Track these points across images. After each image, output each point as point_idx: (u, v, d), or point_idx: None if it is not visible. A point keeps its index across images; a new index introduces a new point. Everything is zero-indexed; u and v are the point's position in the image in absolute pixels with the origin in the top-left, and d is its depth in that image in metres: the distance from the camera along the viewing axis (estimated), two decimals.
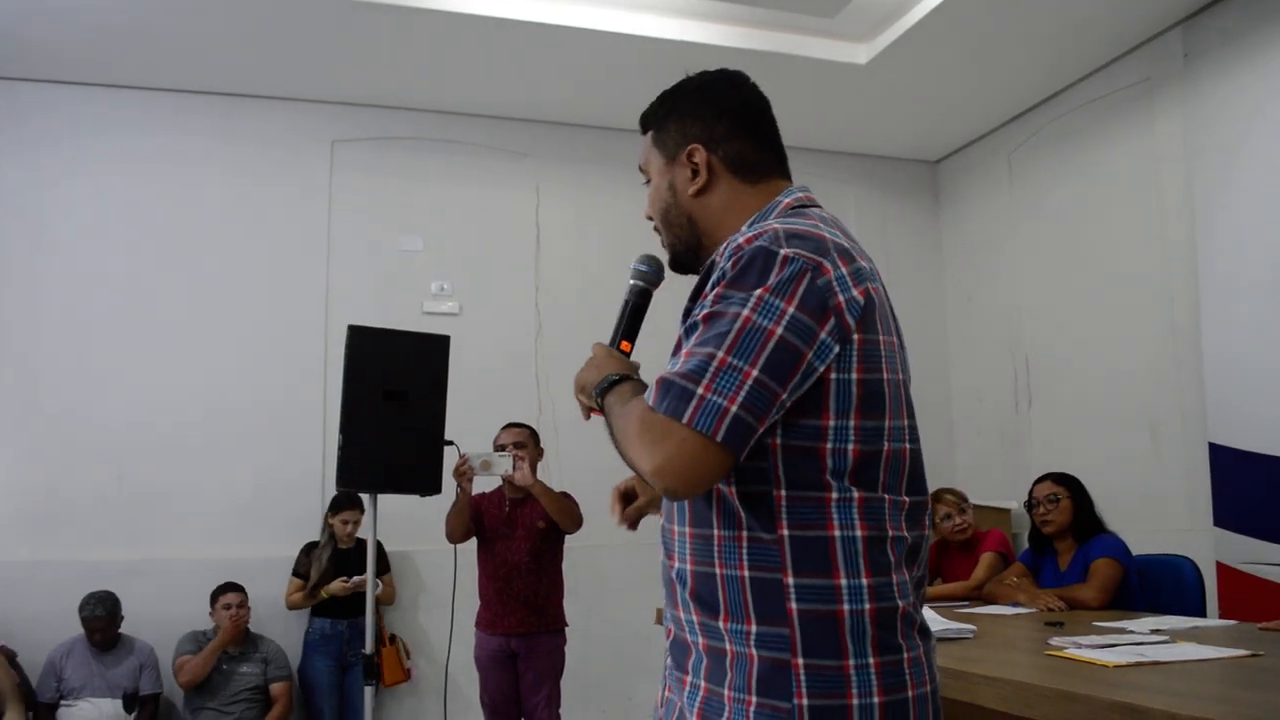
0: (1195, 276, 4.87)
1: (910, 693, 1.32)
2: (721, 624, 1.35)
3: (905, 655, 1.33)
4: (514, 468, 4.26)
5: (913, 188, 6.93)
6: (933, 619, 2.86)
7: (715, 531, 1.37)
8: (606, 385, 1.47)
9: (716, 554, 1.36)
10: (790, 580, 1.31)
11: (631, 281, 1.65)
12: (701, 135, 1.56)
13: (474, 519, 4.47)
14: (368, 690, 4.07)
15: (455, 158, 6.02)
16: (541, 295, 6.02)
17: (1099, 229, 5.58)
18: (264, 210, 5.69)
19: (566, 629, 4.58)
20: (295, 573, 5.18)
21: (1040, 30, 5.11)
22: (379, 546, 4.57)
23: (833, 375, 1.31)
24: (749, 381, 1.25)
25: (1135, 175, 5.34)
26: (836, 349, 1.31)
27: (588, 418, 1.58)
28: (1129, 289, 5.35)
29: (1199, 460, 4.80)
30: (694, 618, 1.39)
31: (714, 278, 1.35)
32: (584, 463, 5.50)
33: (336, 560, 5.12)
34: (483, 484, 4.49)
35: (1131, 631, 2.82)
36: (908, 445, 1.42)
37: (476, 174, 6.05)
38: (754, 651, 1.31)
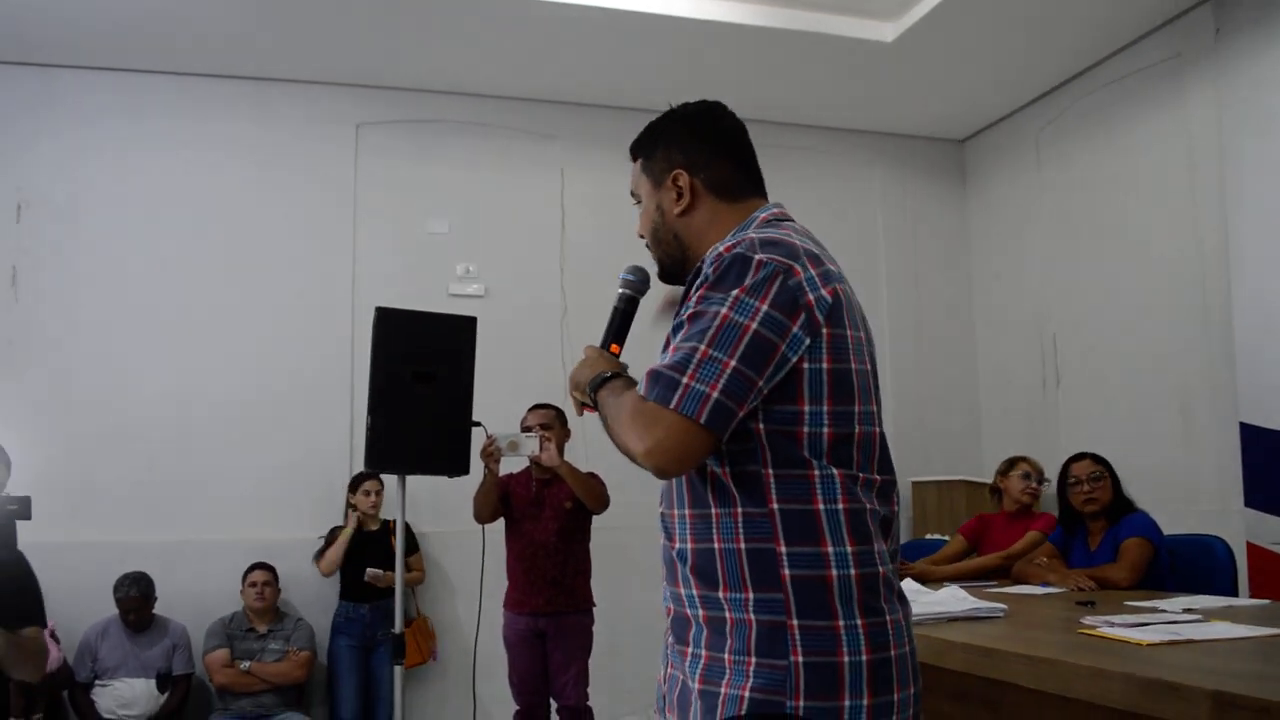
0: (1226, 254, 4.82)
1: (893, 651, 1.47)
2: (721, 594, 1.48)
3: (888, 618, 1.48)
4: (540, 448, 4.27)
5: (939, 167, 6.88)
6: (962, 598, 2.85)
7: (712, 510, 1.51)
8: (599, 381, 1.62)
9: (715, 531, 1.50)
10: (783, 549, 1.45)
11: (620, 290, 1.82)
12: (685, 161, 1.72)
13: (501, 500, 4.49)
14: (397, 670, 4.09)
15: (480, 140, 6.02)
16: (567, 277, 6.02)
17: (1128, 207, 5.52)
18: (291, 194, 5.72)
19: (594, 609, 4.60)
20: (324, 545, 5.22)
21: (1068, 7, 5.05)
22: (407, 528, 4.60)
23: (805, 365, 1.47)
24: (728, 371, 1.41)
25: (1165, 153, 5.28)
26: (807, 341, 1.47)
27: (580, 413, 1.74)
28: (1159, 267, 5.30)
29: (1230, 440, 4.75)
30: (694, 592, 1.52)
31: (697, 283, 1.51)
32: (610, 444, 5.50)
33: (363, 542, 5.16)
34: (510, 464, 4.51)
35: (1164, 611, 2.80)
36: (877, 429, 1.56)
37: (502, 156, 6.05)
38: (752, 617, 1.45)
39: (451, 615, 5.57)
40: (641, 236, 1.80)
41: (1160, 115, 5.33)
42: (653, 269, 1.81)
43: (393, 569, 4.88)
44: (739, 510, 1.48)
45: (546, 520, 4.47)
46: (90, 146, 5.48)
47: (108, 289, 5.41)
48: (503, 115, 6.05)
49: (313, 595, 5.26)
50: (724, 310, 1.43)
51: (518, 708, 4.55)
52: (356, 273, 5.73)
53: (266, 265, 5.63)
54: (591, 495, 4.40)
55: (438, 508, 5.34)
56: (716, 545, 1.49)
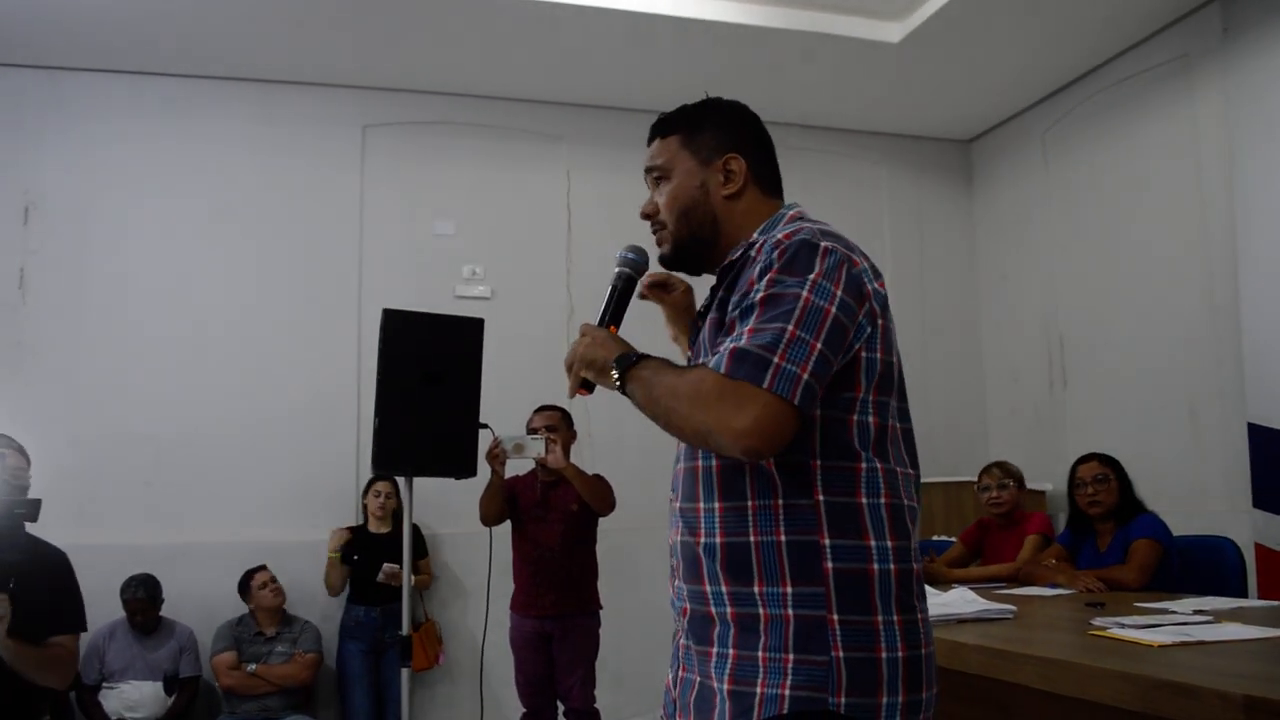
0: (1235, 255, 4.81)
1: (923, 650, 1.48)
2: (756, 589, 1.46)
3: (919, 615, 1.49)
4: (546, 450, 4.26)
5: (946, 167, 6.87)
6: (972, 600, 2.84)
7: (750, 502, 1.48)
8: (635, 359, 1.55)
9: (751, 523, 1.47)
10: (826, 541, 1.44)
11: (618, 269, 1.78)
12: (739, 146, 1.70)
13: (508, 502, 4.49)
14: (404, 672, 4.09)
15: (486, 142, 6.03)
16: (573, 278, 6.02)
17: (1135, 207, 5.51)
18: (297, 196, 5.73)
19: (600, 611, 4.59)
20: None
21: (1075, 7, 5.05)
22: (415, 530, 4.60)
23: (863, 354, 1.48)
24: (815, 353, 1.40)
25: (1173, 153, 5.27)
26: (869, 330, 1.49)
27: (573, 395, 1.70)
28: (1166, 268, 5.29)
29: (1238, 441, 4.74)
30: (723, 588, 1.49)
31: (760, 268, 1.48)
32: (617, 445, 5.50)
33: (374, 544, 5.15)
34: (517, 467, 4.51)
35: (1174, 612, 2.79)
36: (909, 425, 1.59)
37: (508, 158, 6.05)
38: (791, 612, 1.43)
39: (459, 617, 5.57)
40: (647, 216, 1.76)
41: (1167, 115, 5.31)
42: (652, 250, 1.79)
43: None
44: (780, 502, 1.46)
45: (552, 523, 4.47)
46: (97, 149, 5.49)
47: (115, 291, 5.42)
48: (509, 117, 6.06)
49: (320, 597, 5.26)
50: (804, 293, 1.42)
51: (525, 710, 4.55)
52: (363, 274, 5.74)
53: (273, 267, 5.64)
54: (597, 498, 4.40)
55: (446, 510, 5.34)
56: (753, 538, 1.46)
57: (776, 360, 1.38)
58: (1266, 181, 4.64)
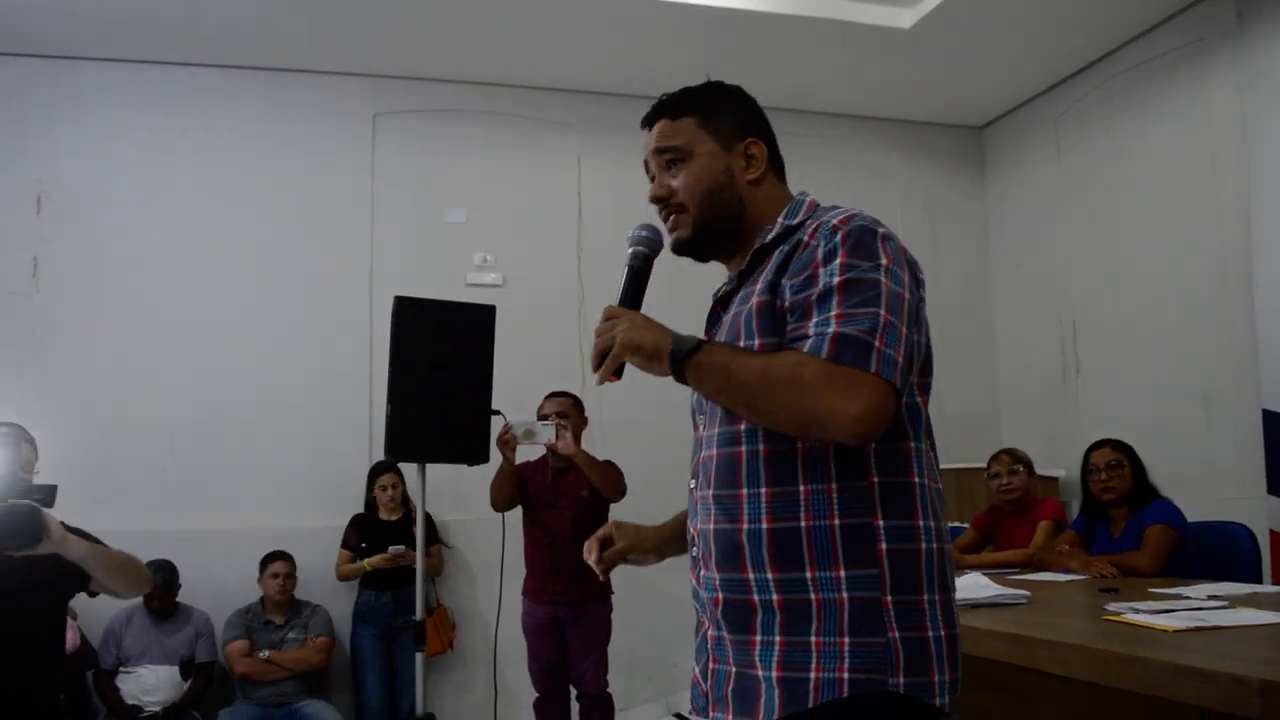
0: (1248, 241, 4.78)
1: (957, 630, 1.50)
2: (807, 575, 1.44)
3: (952, 595, 1.51)
4: (557, 437, 4.26)
5: (958, 154, 6.84)
6: (985, 585, 2.84)
7: (801, 487, 1.46)
8: (697, 343, 1.49)
9: (804, 508, 1.45)
10: (880, 522, 1.45)
11: (635, 248, 1.71)
12: (757, 131, 1.70)
13: (519, 488, 4.50)
14: (418, 657, 4.11)
15: (497, 129, 6.02)
16: (584, 266, 6.02)
17: (1149, 194, 5.48)
18: (308, 184, 5.73)
19: (613, 596, 4.60)
20: (344, 544, 5.24)
21: None
22: (426, 517, 4.61)
23: (916, 336, 1.50)
24: (903, 338, 1.42)
25: (1187, 138, 5.24)
26: (921, 313, 1.53)
27: (604, 383, 1.61)
28: (1180, 254, 5.26)
29: (1252, 427, 4.72)
30: (768, 575, 1.46)
31: (822, 252, 1.46)
32: (627, 431, 5.51)
33: (381, 533, 5.18)
34: (528, 453, 4.51)
35: (1188, 597, 2.79)
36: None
37: (519, 145, 6.05)
38: (845, 595, 1.42)
39: (471, 603, 5.59)
40: (660, 199, 1.70)
41: (1181, 100, 5.28)
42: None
43: (411, 551, 4.93)
44: (834, 486, 1.45)
45: (563, 509, 4.48)
46: (109, 138, 5.50)
47: (128, 279, 5.43)
48: (520, 104, 6.05)
49: (332, 583, 5.28)
50: (883, 279, 1.42)
51: (538, 695, 4.57)
52: (374, 262, 5.75)
53: (285, 255, 5.65)
54: (608, 484, 4.40)
55: (457, 496, 5.35)
56: (804, 523, 1.45)
57: (877, 345, 1.38)
58: None
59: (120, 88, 5.53)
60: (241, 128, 5.67)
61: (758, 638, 1.47)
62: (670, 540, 1.86)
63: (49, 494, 2.59)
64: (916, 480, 1.49)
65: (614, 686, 4.61)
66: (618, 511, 4.58)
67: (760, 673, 1.45)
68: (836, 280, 1.43)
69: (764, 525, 1.47)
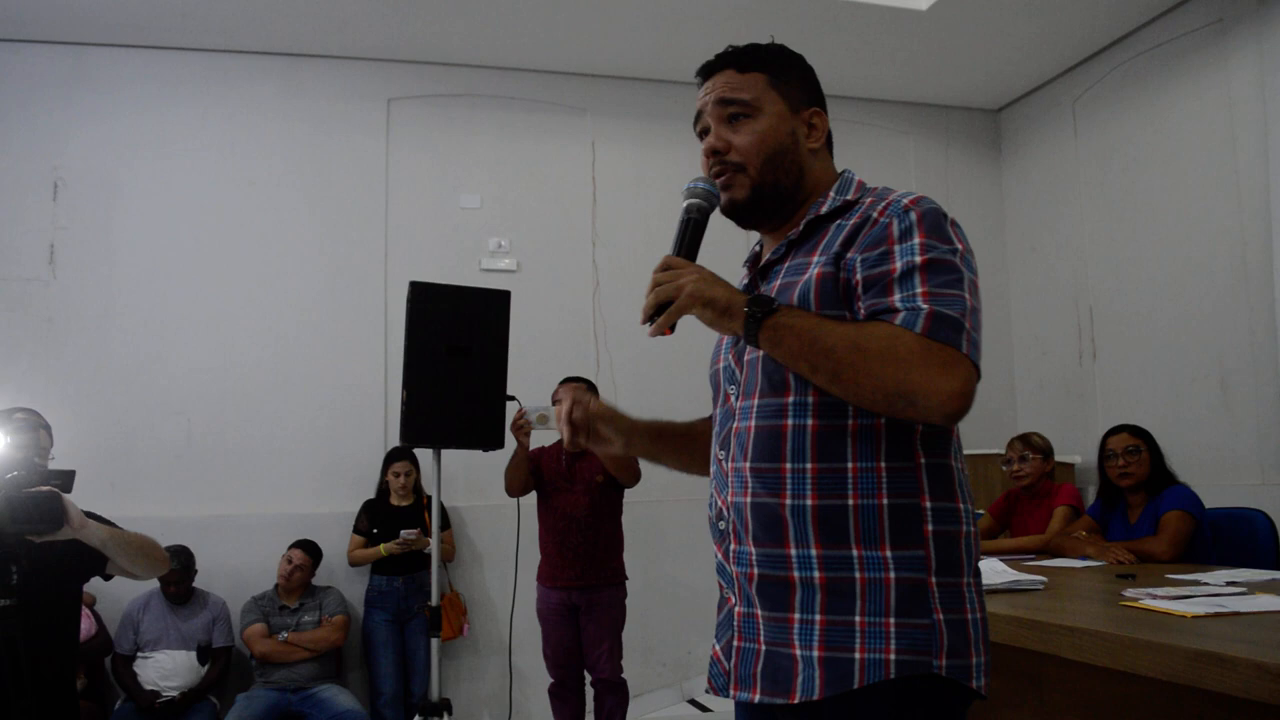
0: (1269, 224, 4.74)
1: (986, 612, 1.50)
2: (854, 552, 1.42)
3: (980, 577, 1.52)
4: None
5: (974, 137, 6.80)
6: (1002, 571, 2.83)
7: (850, 464, 1.44)
8: (777, 305, 1.43)
9: (851, 485, 1.44)
10: (927, 504, 1.45)
11: (692, 200, 1.60)
12: (819, 101, 1.67)
13: (533, 473, 4.50)
14: (433, 642, 4.12)
15: (511, 114, 6.01)
16: (599, 251, 6.01)
17: (1167, 177, 5.44)
18: (323, 169, 5.74)
19: (627, 582, 4.61)
20: (355, 530, 5.27)
21: None
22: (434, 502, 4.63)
23: None
24: (981, 324, 1.44)
25: (1206, 121, 5.19)
26: None
27: (658, 334, 1.50)
28: (1198, 238, 5.22)
29: (1270, 412, 4.69)
30: (813, 551, 1.44)
31: (897, 229, 1.45)
32: (643, 415, 5.50)
33: (392, 518, 5.20)
34: (542, 438, 4.52)
35: (1206, 584, 2.77)
36: None
37: (533, 130, 6.04)
38: (892, 575, 1.41)
39: (484, 589, 5.61)
40: (716, 151, 1.60)
41: (1201, 82, 5.23)
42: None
43: (424, 535, 4.95)
44: (883, 465, 1.44)
45: (578, 494, 4.48)
46: (124, 124, 5.51)
47: (144, 266, 5.45)
48: (534, 89, 6.04)
49: (346, 569, 5.31)
50: (959, 264, 1.43)
51: (552, 680, 4.58)
52: (389, 248, 5.75)
53: (300, 241, 5.66)
54: (623, 469, 4.40)
55: (472, 481, 5.36)
56: (852, 501, 1.43)
57: (966, 326, 1.39)
58: None
59: (135, 74, 5.54)
60: (256, 113, 5.68)
61: (796, 615, 1.45)
62: (639, 433, 1.80)
63: (68, 479, 2.60)
64: (954, 464, 1.50)
65: (628, 672, 4.62)
66: (632, 496, 4.59)
67: (798, 651, 1.43)
68: (919, 259, 1.42)
69: (809, 501, 1.45)
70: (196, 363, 5.43)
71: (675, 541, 5.69)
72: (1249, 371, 4.90)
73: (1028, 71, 6.25)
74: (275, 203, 5.66)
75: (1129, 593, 2.54)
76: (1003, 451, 4.72)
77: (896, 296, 1.40)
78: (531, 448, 4.44)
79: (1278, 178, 4.68)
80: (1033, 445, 4.53)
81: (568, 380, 4.62)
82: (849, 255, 1.48)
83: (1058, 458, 5.26)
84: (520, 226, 5.94)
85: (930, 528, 1.43)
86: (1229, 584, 2.74)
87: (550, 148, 6.06)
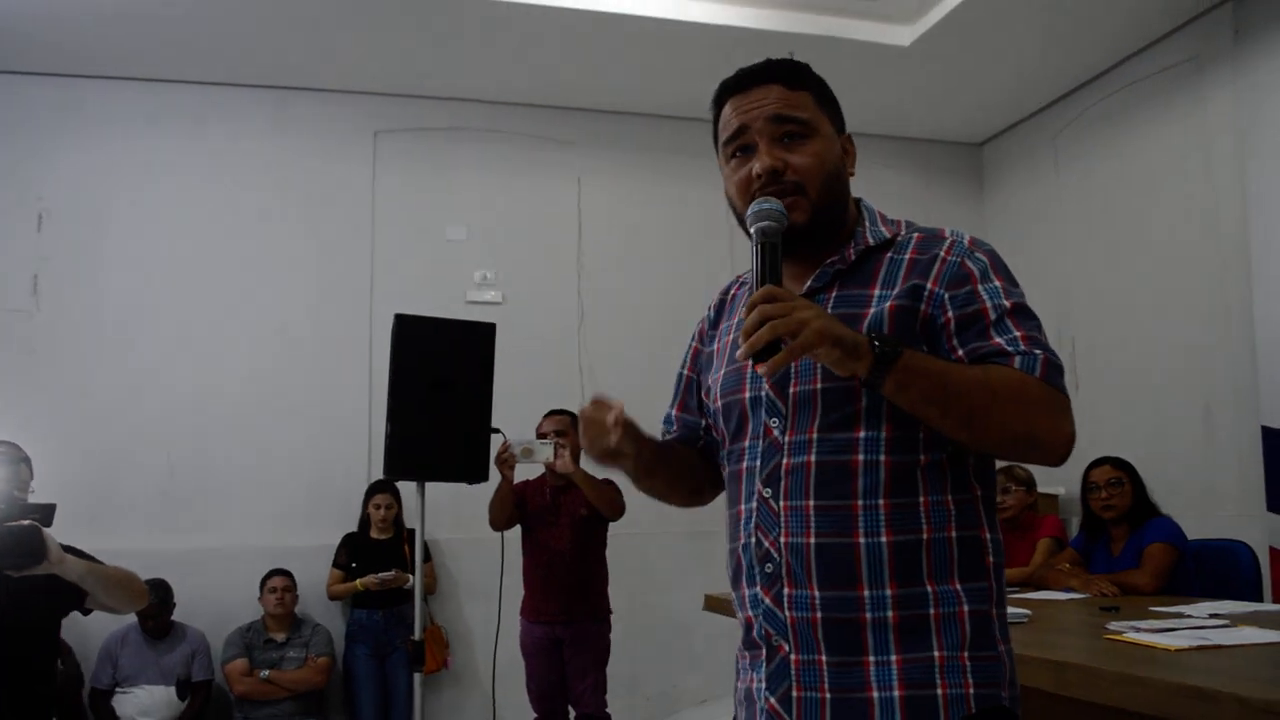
0: (1248, 258, 4.78)
1: None
2: (927, 589, 1.39)
3: None
4: (555, 455, 4.24)
5: (957, 170, 6.86)
6: None
7: (921, 498, 1.41)
8: (901, 346, 1.33)
9: (924, 520, 1.41)
10: (987, 535, 1.46)
11: (764, 224, 1.42)
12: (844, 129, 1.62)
13: (518, 506, 4.48)
14: (416, 677, 4.09)
15: (498, 147, 6.03)
16: (584, 283, 6.02)
17: (1147, 210, 5.49)
18: (309, 201, 5.75)
19: (611, 616, 4.58)
20: (335, 564, 5.24)
21: (1085, 10, 5.03)
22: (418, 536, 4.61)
23: None
24: None
25: (1185, 155, 5.25)
26: None
27: (774, 371, 1.35)
28: (1179, 271, 5.26)
29: (1252, 444, 4.71)
30: (887, 591, 1.39)
31: (977, 270, 1.47)
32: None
33: (373, 551, 5.17)
34: (527, 471, 4.50)
35: (1189, 616, 2.78)
36: None
37: (519, 163, 6.06)
38: (965, 609, 1.40)
39: (469, 622, 5.57)
40: (775, 173, 1.48)
41: (1179, 117, 5.29)
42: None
43: (403, 573, 4.93)
44: (950, 498, 1.42)
45: (562, 528, 4.46)
46: (111, 155, 5.51)
47: (128, 297, 5.44)
48: (520, 122, 6.06)
49: (327, 602, 5.28)
50: (1031, 307, 1.46)
51: (536, 715, 4.54)
52: (375, 280, 5.75)
53: (286, 273, 5.65)
54: (607, 503, 4.38)
55: (456, 515, 5.33)
56: (925, 535, 1.40)
57: (1064, 373, 1.42)
58: (1278, 182, 4.62)
59: (121, 105, 5.54)
60: (243, 145, 5.69)
61: (871, 658, 1.38)
62: (644, 442, 1.62)
63: (48, 513, 2.58)
64: (995, 496, 1.52)
65: (613, 707, 4.58)
66: (617, 530, 4.58)
67: (875, 694, 1.38)
68: (1007, 303, 1.44)
69: (884, 539, 1.39)
70: (179, 394, 5.40)
71: (660, 575, 5.67)
72: (1230, 403, 4.93)
73: (1009, 106, 6.31)
74: (261, 234, 5.65)
75: (1113, 626, 2.54)
76: None
77: (999, 339, 1.41)
78: (516, 481, 4.43)
79: (1256, 211, 4.74)
80: (1016, 477, 4.54)
81: (553, 413, 4.61)
82: (931, 289, 1.45)
83: (1041, 489, 5.28)
84: (506, 259, 5.95)
85: (991, 559, 1.45)
86: (1212, 616, 2.75)
87: (536, 180, 6.08)
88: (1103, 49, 5.52)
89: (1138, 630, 2.42)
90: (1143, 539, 3.78)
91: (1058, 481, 5.63)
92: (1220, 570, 3.80)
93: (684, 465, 1.72)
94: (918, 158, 6.73)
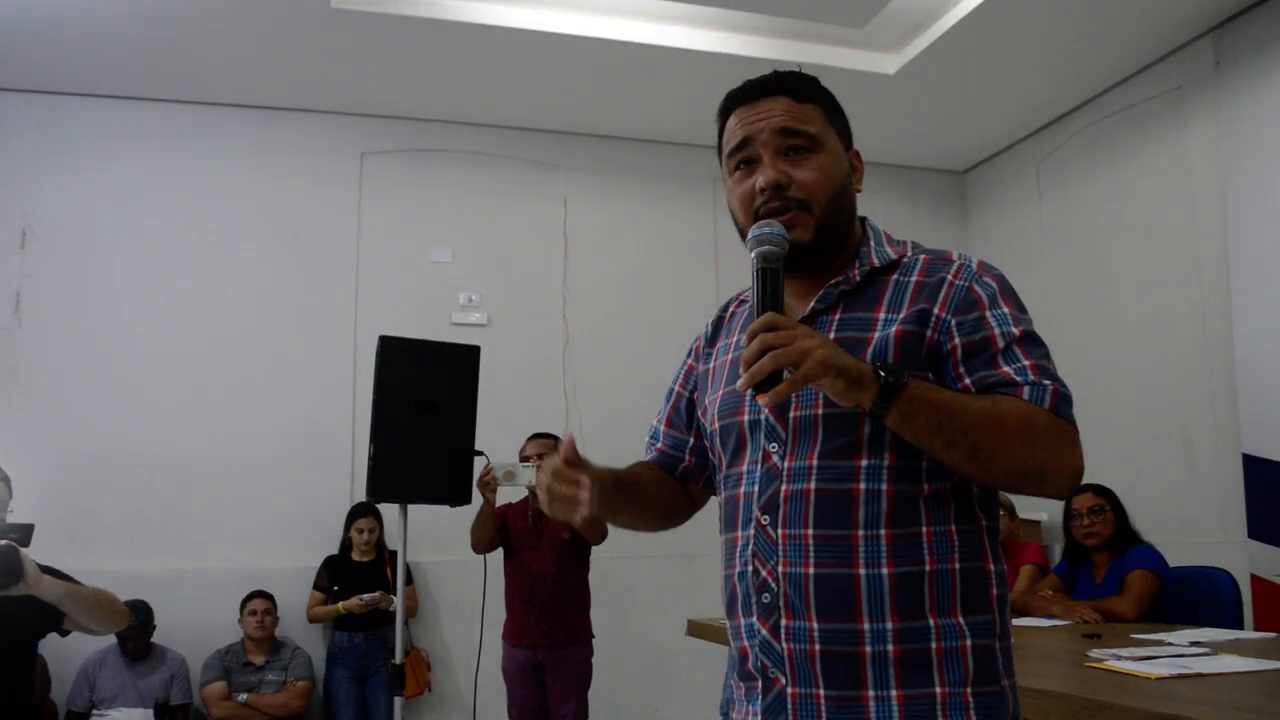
0: (1229, 286, 4.82)
1: None
2: (929, 622, 1.35)
3: None
4: (538, 479, 4.22)
5: (940, 197, 6.91)
6: None
7: (924, 529, 1.37)
8: (906, 376, 1.30)
9: (927, 551, 1.36)
10: (991, 567, 1.41)
11: (764, 249, 1.38)
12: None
13: (500, 529, 4.47)
14: (397, 700, 4.06)
15: (484, 169, 6.05)
16: (569, 306, 6.02)
17: (1129, 239, 5.53)
18: (295, 222, 5.74)
19: (593, 640, 4.57)
20: (316, 586, 5.21)
21: (1069, 39, 5.09)
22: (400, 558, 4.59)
23: None
24: None
25: (1166, 184, 5.30)
26: None
27: (776, 401, 1.29)
28: (1160, 299, 5.30)
29: (1233, 471, 4.74)
30: (888, 625, 1.34)
31: (985, 295, 1.42)
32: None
33: (355, 573, 5.14)
34: (509, 494, 4.49)
35: (1170, 644, 2.79)
36: None
37: (505, 186, 6.07)
38: (968, 643, 1.35)
39: (451, 646, 5.54)
40: (779, 187, 1.45)
41: (1161, 147, 5.35)
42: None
43: (387, 595, 4.91)
44: (954, 528, 1.38)
45: (544, 551, 4.45)
46: (95, 174, 5.49)
47: (111, 316, 5.41)
48: (506, 145, 6.08)
49: (308, 625, 5.24)
50: (1039, 335, 1.43)
51: None
52: (359, 301, 5.74)
53: (270, 293, 5.64)
54: (590, 526, 4.35)
55: (438, 538, 5.31)
56: (928, 567, 1.35)
57: (1073, 403, 1.39)
58: (1259, 211, 4.66)
59: (106, 124, 5.53)
60: (228, 165, 5.68)
61: (870, 693, 1.34)
62: (607, 481, 1.57)
63: (25, 533, 2.56)
64: (997, 526, 1.47)
65: None
66: (599, 554, 4.57)
67: None
68: (1016, 330, 1.40)
69: (885, 570, 1.35)
70: (161, 414, 5.37)
71: (642, 599, 5.66)
72: (1211, 430, 4.96)
73: (993, 134, 6.37)
74: (246, 254, 5.64)
75: (1094, 653, 2.55)
76: None
77: (1006, 368, 1.38)
78: (499, 504, 4.42)
79: (1236, 240, 4.78)
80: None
81: (536, 436, 4.60)
82: (939, 314, 1.41)
83: (1023, 515, 5.29)
84: (491, 281, 5.95)
85: (995, 591, 1.40)
86: (1193, 644, 2.76)
87: (522, 203, 6.09)
88: (1086, 79, 5.57)
89: (1119, 658, 2.42)
90: (1124, 566, 3.79)
91: (1039, 508, 5.65)
92: (1202, 597, 3.81)
93: (650, 497, 1.67)
94: (902, 185, 6.77)
